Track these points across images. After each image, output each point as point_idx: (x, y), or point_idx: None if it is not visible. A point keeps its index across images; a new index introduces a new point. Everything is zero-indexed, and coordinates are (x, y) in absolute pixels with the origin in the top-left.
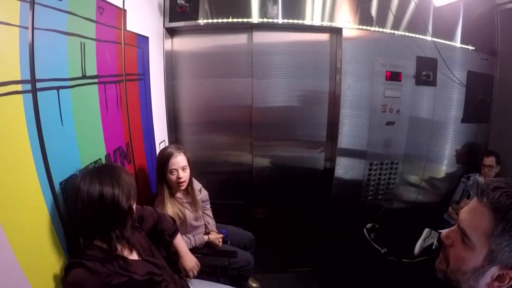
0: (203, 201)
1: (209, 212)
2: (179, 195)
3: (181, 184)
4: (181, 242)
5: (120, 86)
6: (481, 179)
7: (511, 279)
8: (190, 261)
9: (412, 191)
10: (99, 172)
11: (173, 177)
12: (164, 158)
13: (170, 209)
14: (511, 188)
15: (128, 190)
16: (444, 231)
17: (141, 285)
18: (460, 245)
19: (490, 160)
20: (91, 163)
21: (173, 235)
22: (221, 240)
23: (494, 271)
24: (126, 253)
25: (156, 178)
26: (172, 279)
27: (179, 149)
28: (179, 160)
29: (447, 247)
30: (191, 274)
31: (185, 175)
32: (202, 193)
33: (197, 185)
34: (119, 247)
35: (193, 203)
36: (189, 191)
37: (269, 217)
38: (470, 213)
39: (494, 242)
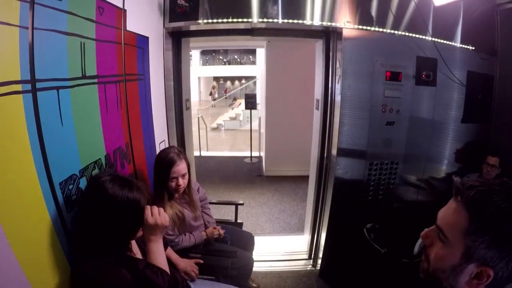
0: (201, 200)
1: (208, 211)
2: (176, 195)
3: (179, 190)
4: (171, 252)
5: (120, 86)
6: (457, 179)
7: (489, 276)
8: (186, 265)
9: (412, 191)
10: (123, 181)
11: (173, 184)
12: (166, 165)
13: (170, 210)
14: (485, 187)
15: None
16: (423, 231)
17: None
18: (438, 243)
19: (494, 160)
20: (91, 163)
21: (165, 247)
22: (219, 231)
23: (472, 268)
24: (131, 253)
25: (154, 180)
26: (174, 280)
27: (180, 155)
28: (181, 169)
29: (427, 247)
30: (192, 274)
31: (184, 181)
32: (200, 192)
33: (194, 185)
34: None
35: (191, 203)
36: (186, 191)
37: None
38: (447, 211)
39: (470, 239)
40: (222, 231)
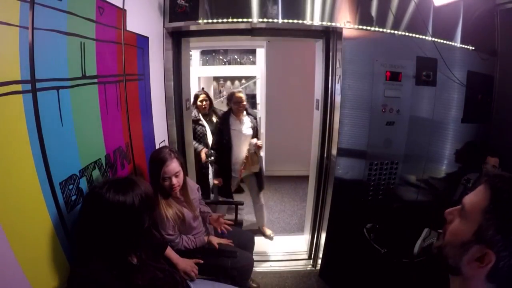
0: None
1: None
2: (178, 193)
3: (174, 190)
4: (170, 251)
5: (120, 86)
6: (488, 166)
7: (490, 261)
8: (186, 265)
9: (412, 191)
10: (122, 183)
11: (166, 184)
12: (157, 165)
13: (169, 210)
14: (510, 179)
15: (149, 202)
16: (448, 209)
17: None
18: (458, 219)
19: (494, 161)
20: (91, 163)
21: (165, 246)
22: (221, 241)
23: (478, 249)
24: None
25: (149, 180)
26: (174, 280)
27: (171, 155)
28: (171, 169)
29: (447, 223)
30: (192, 274)
31: (178, 180)
32: (200, 193)
33: (194, 185)
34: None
35: (188, 202)
36: (183, 191)
37: None
38: (474, 193)
39: (485, 217)
40: (228, 242)
